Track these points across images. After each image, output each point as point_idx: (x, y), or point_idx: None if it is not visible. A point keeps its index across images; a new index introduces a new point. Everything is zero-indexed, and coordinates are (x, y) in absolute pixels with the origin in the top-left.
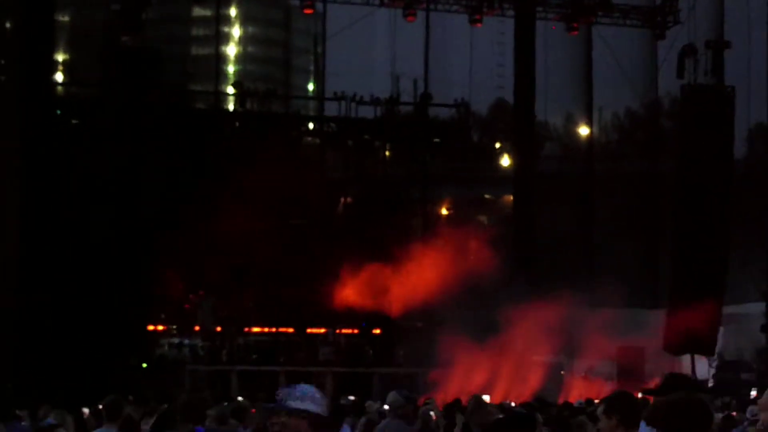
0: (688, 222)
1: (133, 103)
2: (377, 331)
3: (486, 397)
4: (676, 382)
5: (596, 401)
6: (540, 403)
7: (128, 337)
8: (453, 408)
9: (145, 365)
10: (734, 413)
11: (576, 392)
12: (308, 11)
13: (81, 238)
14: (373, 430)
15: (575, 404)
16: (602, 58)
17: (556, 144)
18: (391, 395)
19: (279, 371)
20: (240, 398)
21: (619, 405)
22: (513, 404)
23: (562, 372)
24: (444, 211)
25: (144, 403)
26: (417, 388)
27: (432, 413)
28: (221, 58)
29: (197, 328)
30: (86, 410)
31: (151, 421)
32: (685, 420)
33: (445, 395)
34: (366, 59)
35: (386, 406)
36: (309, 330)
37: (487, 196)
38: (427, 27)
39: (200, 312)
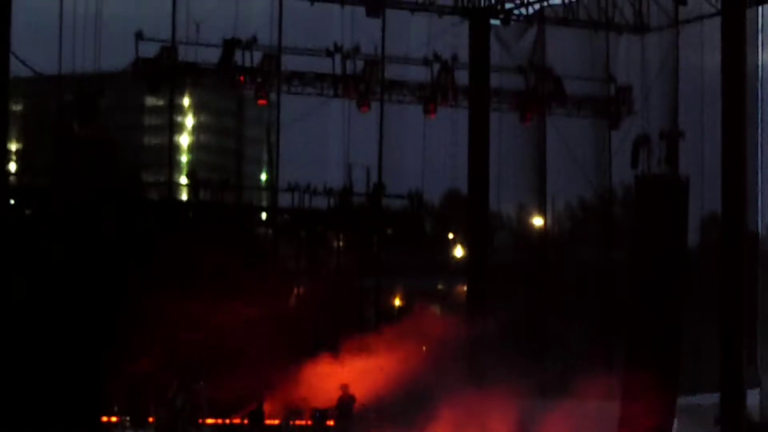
0: (641, 312)
1: (86, 193)
2: (331, 423)
3: None
4: None
5: None
6: None
7: (81, 428)
8: None
9: None
10: None
11: None
12: (262, 102)
13: (33, 327)
14: None
15: None
16: (556, 147)
17: (509, 234)
18: None
19: None
20: None
21: None
22: None
23: None
24: (397, 302)
25: None
26: None
27: None
28: (174, 148)
29: (151, 419)
30: None
31: None
32: None
33: None
34: (320, 149)
35: None
36: (263, 421)
37: (440, 286)
38: (381, 117)
39: (161, 407)
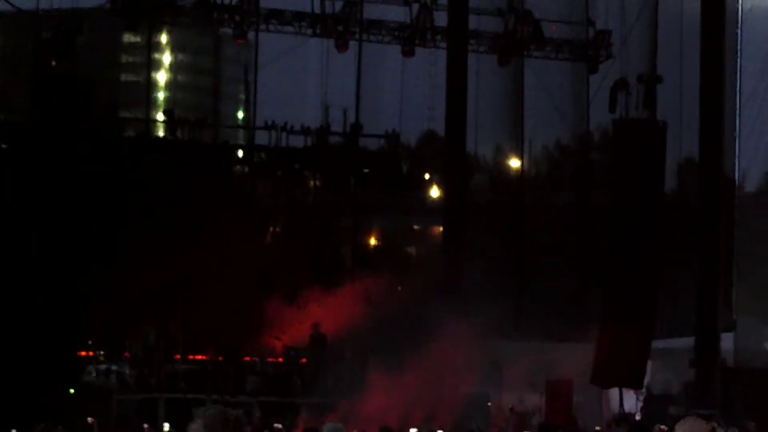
0: (618, 255)
1: (64, 130)
2: (305, 360)
3: (413, 431)
4: None
5: None
6: None
7: (56, 363)
8: None
9: (72, 391)
10: None
11: (503, 425)
12: (240, 41)
13: (9, 263)
14: None
15: None
16: (534, 90)
17: (486, 175)
18: (329, 426)
19: (206, 400)
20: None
21: None
22: None
23: (489, 404)
24: (373, 241)
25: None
26: (344, 419)
27: None
28: (151, 85)
29: (127, 354)
30: None
31: None
32: None
33: (368, 425)
34: (297, 89)
35: None
36: (237, 359)
37: (416, 226)
38: (359, 57)
39: (136, 343)
